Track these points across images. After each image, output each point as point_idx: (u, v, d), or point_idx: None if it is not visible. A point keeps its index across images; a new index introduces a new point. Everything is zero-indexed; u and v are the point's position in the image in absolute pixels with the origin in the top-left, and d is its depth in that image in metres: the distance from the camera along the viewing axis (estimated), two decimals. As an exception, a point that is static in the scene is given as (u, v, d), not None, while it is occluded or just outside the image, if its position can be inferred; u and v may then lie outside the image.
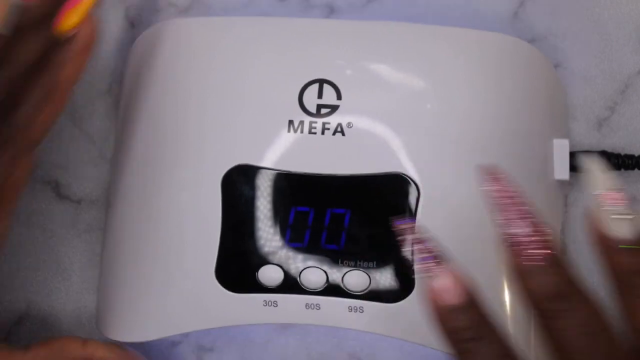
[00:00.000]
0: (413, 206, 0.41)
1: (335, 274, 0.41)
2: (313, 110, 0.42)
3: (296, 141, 0.42)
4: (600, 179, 0.34)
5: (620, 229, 0.34)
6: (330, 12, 0.52)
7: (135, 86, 0.47)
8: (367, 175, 0.41)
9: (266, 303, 0.41)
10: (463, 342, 0.34)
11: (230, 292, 0.41)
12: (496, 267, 0.41)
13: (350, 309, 0.41)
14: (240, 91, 0.43)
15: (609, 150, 0.48)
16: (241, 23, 0.45)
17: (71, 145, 0.52)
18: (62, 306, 0.51)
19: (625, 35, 0.50)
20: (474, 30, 0.44)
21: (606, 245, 0.34)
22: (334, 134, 0.42)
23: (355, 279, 0.41)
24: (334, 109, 0.42)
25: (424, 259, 0.34)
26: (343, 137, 0.42)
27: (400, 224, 0.35)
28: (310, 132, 0.42)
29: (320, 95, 0.42)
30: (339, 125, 0.42)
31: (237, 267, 0.41)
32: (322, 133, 0.42)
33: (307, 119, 0.42)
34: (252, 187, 0.42)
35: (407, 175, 0.41)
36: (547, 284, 0.33)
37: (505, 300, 0.41)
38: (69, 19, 0.39)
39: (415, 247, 0.34)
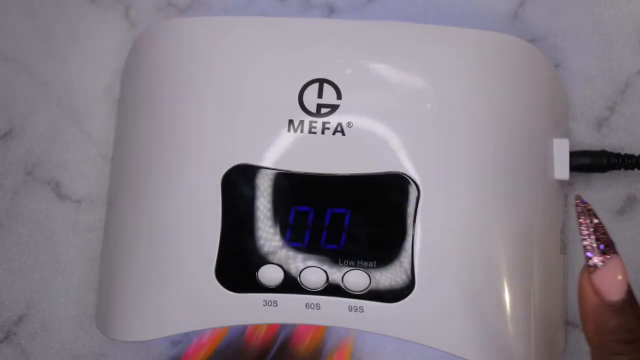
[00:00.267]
0: (413, 206, 0.41)
1: (336, 274, 0.41)
2: (313, 109, 0.42)
3: (296, 141, 0.42)
4: None
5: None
6: (330, 12, 0.52)
7: (135, 86, 0.47)
8: (367, 175, 0.41)
9: (266, 303, 0.41)
10: (617, 343, 0.33)
11: (230, 291, 0.41)
12: (496, 264, 0.42)
13: (350, 308, 0.41)
14: (240, 91, 0.43)
15: (609, 150, 0.48)
16: (241, 23, 0.45)
17: (71, 145, 0.52)
18: (62, 306, 0.51)
19: (625, 35, 0.50)
20: (474, 30, 0.44)
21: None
22: (334, 133, 0.42)
23: (355, 278, 0.41)
24: (334, 108, 0.42)
25: (596, 247, 0.34)
26: (343, 136, 0.42)
27: (586, 203, 0.34)
28: (310, 132, 0.42)
29: (320, 95, 0.42)
30: (339, 124, 0.42)
31: (237, 266, 0.41)
32: (322, 133, 0.42)
33: (307, 119, 0.42)
34: (252, 186, 0.42)
35: (407, 175, 0.41)
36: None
37: (505, 300, 0.41)
38: None
39: (589, 232, 0.34)
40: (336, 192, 0.41)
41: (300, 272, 0.41)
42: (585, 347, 0.36)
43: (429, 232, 0.41)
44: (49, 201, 0.52)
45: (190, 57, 0.44)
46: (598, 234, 0.34)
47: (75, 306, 0.51)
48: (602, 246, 0.34)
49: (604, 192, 0.49)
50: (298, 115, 0.42)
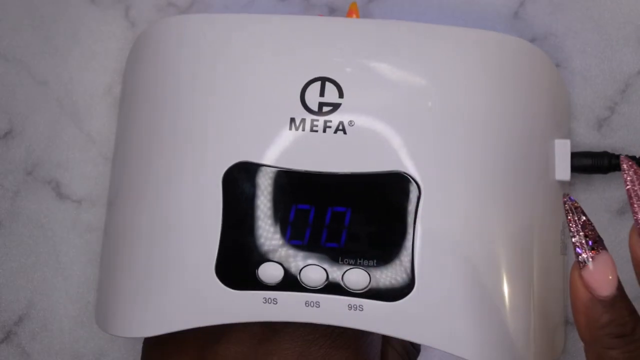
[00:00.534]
0: (414, 205, 0.41)
1: (336, 272, 0.41)
2: (315, 108, 0.42)
3: (298, 139, 0.42)
4: None
5: None
6: (331, 12, 0.52)
7: (136, 84, 0.47)
8: (368, 174, 0.41)
9: (266, 300, 0.41)
10: (609, 338, 0.34)
11: (230, 289, 0.41)
12: (496, 263, 0.42)
13: (350, 307, 0.41)
14: (242, 88, 0.43)
15: (609, 150, 0.48)
16: (243, 20, 0.45)
17: (71, 145, 0.52)
18: (62, 306, 0.51)
19: (625, 35, 0.50)
20: (475, 30, 0.44)
21: None
22: (335, 132, 0.42)
23: (355, 277, 0.41)
24: (335, 107, 0.42)
25: (585, 243, 0.34)
26: (345, 135, 0.42)
27: (573, 201, 0.35)
28: (312, 130, 0.42)
29: (322, 93, 0.42)
30: (341, 123, 0.42)
31: (237, 264, 0.41)
32: (324, 131, 0.42)
33: (309, 117, 0.42)
34: (253, 184, 0.42)
35: (408, 174, 0.41)
36: None
37: (505, 299, 0.41)
38: None
39: (578, 229, 0.34)
40: (337, 190, 0.41)
41: (301, 270, 0.41)
42: (585, 347, 0.36)
43: (429, 231, 0.41)
44: (49, 201, 0.52)
45: (192, 54, 0.44)
46: (586, 230, 0.34)
47: (76, 306, 0.51)
48: (590, 242, 0.34)
49: (605, 193, 0.49)
50: (300, 113, 0.42)
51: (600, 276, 0.34)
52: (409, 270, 0.41)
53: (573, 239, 0.34)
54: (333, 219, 0.41)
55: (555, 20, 0.51)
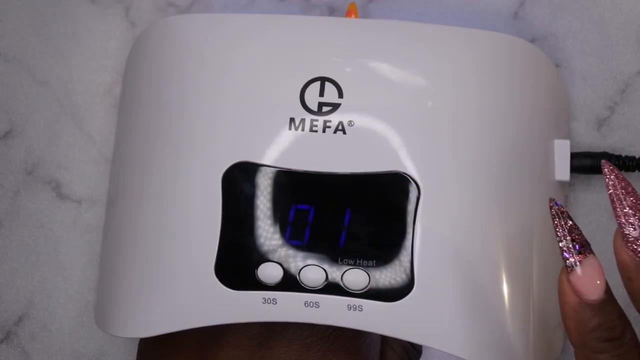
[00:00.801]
0: (413, 205, 0.41)
1: (335, 272, 0.41)
2: (314, 108, 0.42)
3: (297, 139, 0.42)
4: None
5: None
6: (331, 12, 0.52)
7: (135, 85, 0.47)
8: (367, 174, 0.41)
9: (265, 300, 0.41)
10: (598, 342, 0.34)
11: (229, 289, 0.41)
12: (496, 263, 0.42)
13: (349, 307, 0.41)
14: (242, 88, 0.43)
15: (609, 150, 0.48)
16: (243, 20, 0.45)
17: (71, 145, 0.52)
18: (62, 306, 0.51)
19: (625, 35, 0.50)
20: (475, 30, 0.44)
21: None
22: (335, 132, 0.42)
23: (354, 277, 0.41)
24: (335, 107, 0.42)
25: (572, 247, 0.34)
26: (344, 135, 0.42)
27: (559, 206, 0.35)
28: (311, 130, 0.42)
29: (322, 93, 0.42)
30: (340, 123, 0.42)
31: (237, 264, 0.41)
32: (324, 131, 0.42)
33: (309, 117, 0.42)
34: (253, 184, 0.42)
35: (407, 174, 0.41)
36: None
37: (505, 300, 0.41)
38: None
39: (564, 234, 0.35)
40: (336, 190, 0.41)
41: (300, 270, 0.41)
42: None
43: (428, 231, 0.41)
44: (49, 201, 0.52)
45: (192, 54, 0.44)
46: (573, 234, 0.34)
47: (75, 306, 0.51)
48: (577, 246, 0.34)
49: (605, 193, 0.49)
50: (299, 113, 0.42)
51: (588, 280, 0.34)
52: (408, 270, 0.41)
53: (560, 244, 0.35)
54: (332, 219, 0.41)
55: (555, 20, 0.51)
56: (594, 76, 0.50)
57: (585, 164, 0.47)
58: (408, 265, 0.41)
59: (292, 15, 0.51)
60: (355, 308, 0.41)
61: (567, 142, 0.46)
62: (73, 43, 0.53)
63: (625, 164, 0.47)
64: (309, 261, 0.41)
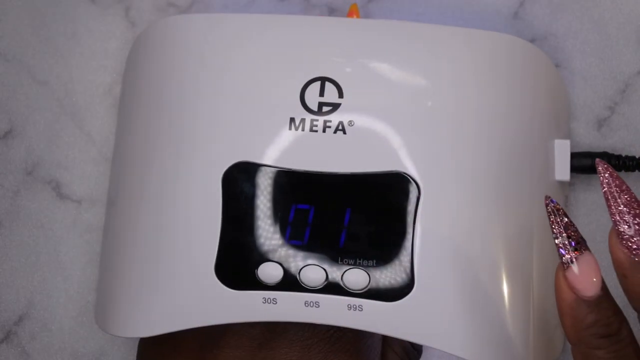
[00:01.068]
0: (413, 205, 0.41)
1: (335, 272, 0.41)
2: (315, 108, 0.42)
3: (297, 139, 0.42)
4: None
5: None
6: (331, 12, 0.52)
7: (135, 85, 0.47)
8: (367, 174, 0.41)
9: (265, 300, 0.41)
10: (595, 338, 0.34)
11: (229, 288, 0.41)
12: (496, 263, 0.42)
13: (349, 307, 0.41)
14: (242, 88, 0.43)
15: (609, 150, 0.48)
16: (243, 20, 0.45)
17: (71, 145, 0.52)
18: (62, 306, 0.51)
19: (625, 36, 0.50)
20: (475, 30, 0.44)
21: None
22: (335, 132, 0.42)
23: (354, 277, 0.41)
24: (335, 107, 0.42)
25: (568, 244, 0.34)
26: (344, 135, 0.42)
27: (555, 203, 0.35)
28: (311, 130, 0.42)
29: (322, 93, 0.42)
30: (340, 123, 0.42)
31: (237, 263, 0.41)
32: (324, 131, 0.42)
33: (309, 117, 0.42)
34: (253, 184, 0.42)
35: (407, 174, 0.41)
36: None
37: (505, 299, 0.41)
38: None
39: (560, 230, 0.35)
40: (337, 190, 0.41)
41: (300, 270, 0.41)
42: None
43: (428, 231, 0.41)
44: (49, 201, 0.52)
45: (191, 54, 0.44)
46: (569, 231, 0.35)
47: (75, 306, 0.51)
48: (573, 243, 0.34)
49: (604, 193, 0.49)
50: (299, 113, 0.42)
51: (584, 277, 0.34)
52: (408, 270, 0.41)
53: (556, 240, 0.35)
54: (332, 219, 0.41)
55: (555, 20, 0.51)
56: (594, 76, 0.50)
57: (585, 164, 0.47)
58: (408, 265, 0.41)
59: (292, 15, 0.51)
60: (356, 308, 0.41)
61: (567, 142, 0.46)
62: (73, 43, 0.53)
63: (625, 164, 0.47)
64: (309, 261, 0.41)
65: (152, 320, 0.42)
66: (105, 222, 0.48)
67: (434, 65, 0.43)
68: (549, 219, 0.35)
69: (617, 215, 0.34)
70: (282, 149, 0.42)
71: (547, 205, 0.35)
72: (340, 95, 0.42)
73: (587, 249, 0.34)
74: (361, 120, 0.42)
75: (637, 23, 0.50)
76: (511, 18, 0.51)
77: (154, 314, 0.42)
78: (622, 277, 0.35)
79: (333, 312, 0.41)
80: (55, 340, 0.51)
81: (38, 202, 0.52)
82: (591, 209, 0.49)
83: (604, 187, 0.35)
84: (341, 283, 0.41)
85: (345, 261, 0.41)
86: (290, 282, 0.41)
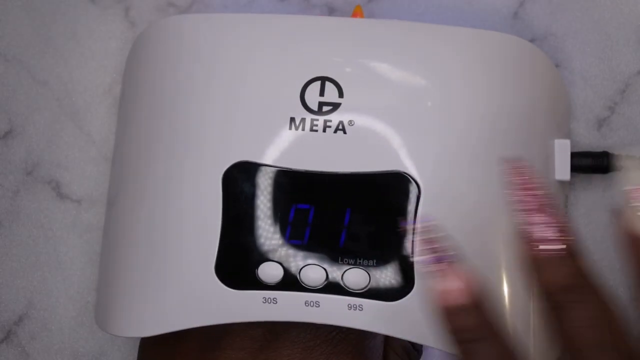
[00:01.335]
0: (414, 205, 0.41)
1: (335, 272, 0.41)
2: (315, 107, 0.42)
3: (297, 139, 0.42)
4: (632, 176, 0.34)
5: None
6: (331, 12, 0.52)
7: (136, 84, 0.47)
8: (368, 173, 0.41)
9: (265, 300, 0.41)
10: (465, 343, 0.34)
11: (229, 288, 0.41)
12: (496, 263, 0.42)
13: (349, 306, 0.41)
14: (242, 88, 0.43)
15: (609, 150, 0.48)
16: (243, 20, 0.45)
17: (71, 145, 0.52)
18: (62, 306, 0.51)
19: (625, 35, 0.50)
20: (475, 30, 0.44)
21: (633, 242, 0.34)
22: (335, 131, 0.42)
23: (355, 276, 0.41)
24: (335, 106, 0.42)
25: (433, 258, 0.34)
26: (344, 135, 0.42)
27: (406, 225, 0.35)
28: (311, 130, 0.42)
29: (322, 93, 0.42)
30: (341, 123, 0.42)
31: (237, 263, 0.41)
32: (324, 131, 0.42)
33: (309, 117, 0.42)
34: (253, 184, 0.42)
35: (408, 174, 0.41)
36: (562, 275, 0.33)
37: (504, 296, 0.41)
38: None
39: (425, 245, 0.35)
40: (337, 190, 0.41)
41: (300, 270, 0.41)
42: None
43: (428, 231, 0.41)
44: (49, 201, 0.52)
45: (192, 54, 0.44)
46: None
47: (75, 306, 0.51)
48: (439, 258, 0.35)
49: (605, 193, 0.49)
50: (300, 113, 0.42)
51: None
52: (408, 270, 0.41)
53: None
54: (333, 218, 0.41)
55: (555, 20, 0.51)
56: (594, 76, 0.50)
57: (586, 163, 0.47)
58: (408, 264, 0.41)
59: (292, 15, 0.51)
60: (356, 307, 0.41)
61: (568, 142, 0.46)
62: (73, 43, 0.53)
63: (625, 164, 0.47)
64: (309, 261, 0.41)
65: (152, 320, 0.42)
66: (105, 222, 0.48)
67: (433, 65, 0.43)
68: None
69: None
70: (282, 148, 0.42)
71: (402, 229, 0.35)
72: (341, 94, 0.42)
73: (455, 261, 0.34)
74: (361, 120, 0.42)
75: (637, 23, 0.50)
76: (511, 18, 0.51)
77: (154, 314, 0.42)
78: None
79: (333, 311, 0.41)
80: (55, 340, 0.51)
81: (38, 202, 0.52)
82: (591, 209, 0.49)
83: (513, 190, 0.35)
84: (341, 283, 0.41)
85: (346, 261, 0.41)
86: (290, 282, 0.41)
